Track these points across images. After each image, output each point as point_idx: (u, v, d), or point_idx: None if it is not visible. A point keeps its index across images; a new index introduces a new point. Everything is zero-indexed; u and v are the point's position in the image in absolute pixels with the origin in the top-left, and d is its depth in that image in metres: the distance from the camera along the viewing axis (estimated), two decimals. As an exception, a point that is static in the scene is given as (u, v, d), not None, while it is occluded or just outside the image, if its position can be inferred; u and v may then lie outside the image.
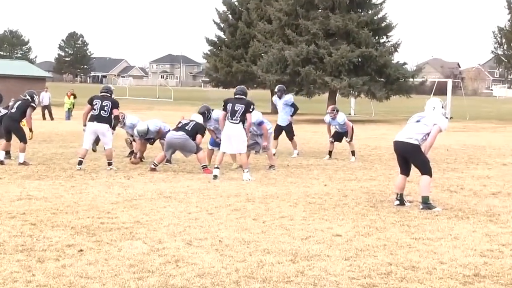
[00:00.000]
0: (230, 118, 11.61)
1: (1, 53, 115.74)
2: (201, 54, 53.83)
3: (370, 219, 7.96)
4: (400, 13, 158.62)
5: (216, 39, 49.33)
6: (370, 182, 11.42)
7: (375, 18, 35.09)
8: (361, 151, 16.85)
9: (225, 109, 11.72)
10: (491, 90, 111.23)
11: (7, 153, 13.63)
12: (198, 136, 12.43)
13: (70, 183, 10.66)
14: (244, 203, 9.05)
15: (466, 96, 53.74)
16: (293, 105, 15.77)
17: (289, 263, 5.93)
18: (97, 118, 12.45)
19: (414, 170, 9.11)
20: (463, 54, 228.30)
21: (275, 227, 7.47)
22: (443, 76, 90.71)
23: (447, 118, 10.36)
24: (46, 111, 32.97)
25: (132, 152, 14.20)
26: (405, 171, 9.03)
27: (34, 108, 13.61)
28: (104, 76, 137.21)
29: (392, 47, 35.39)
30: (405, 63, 37.49)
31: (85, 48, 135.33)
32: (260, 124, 12.89)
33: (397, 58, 68.85)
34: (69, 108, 33.84)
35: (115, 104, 12.64)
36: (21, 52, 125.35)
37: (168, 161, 13.15)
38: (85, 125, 12.74)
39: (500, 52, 51.93)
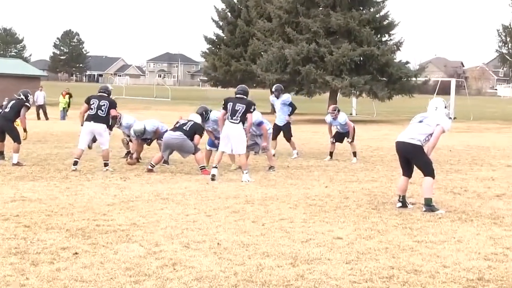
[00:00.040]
0: (230, 117, 11.60)
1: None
2: (200, 53, 53.96)
3: (371, 222, 7.96)
4: (402, 11, 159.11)
5: (214, 38, 49.38)
6: (371, 183, 11.41)
7: (377, 16, 35.11)
8: (362, 152, 16.85)
9: (225, 108, 11.72)
10: (496, 89, 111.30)
11: (1, 154, 13.64)
12: (196, 137, 12.43)
13: (65, 184, 10.66)
14: (243, 205, 9.04)
15: (470, 96, 53.75)
16: (291, 105, 15.77)
17: (289, 267, 5.92)
18: (94, 118, 12.45)
19: (416, 172, 9.10)
20: (466, 53, 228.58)
21: (275, 229, 7.47)
22: (447, 76, 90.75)
23: (450, 118, 10.34)
24: (41, 111, 32.97)
25: (128, 153, 14.20)
26: (408, 172, 9.03)
27: (28, 108, 13.61)
28: (100, 75, 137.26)
29: (395, 46, 35.41)
30: (407, 62, 37.53)
31: (80, 46, 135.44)
32: (259, 124, 12.88)
33: (399, 57, 69.08)
34: (64, 108, 33.84)
35: (112, 104, 12.64)
36: (15, 50, 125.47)
37: (166, 162, 13.14)
38: (82, 125, 12.73)
39: (504, 51, 51.97)
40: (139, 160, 13.82)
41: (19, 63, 58.99)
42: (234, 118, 11.58)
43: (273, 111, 16.21)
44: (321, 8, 34.91)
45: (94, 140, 13.07)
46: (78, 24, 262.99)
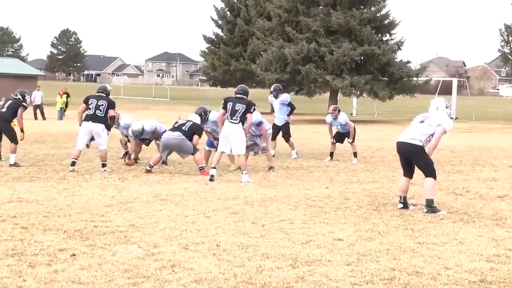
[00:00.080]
0: (229, 117, 11.61)
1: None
2: (198, 52, 53.84)
3: (372, 223, 7.96)
4: (403, 10, 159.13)
5: (213, 37, 49.41)
6: (372, 184, 11.42)
7: (378, 15, 35.13)
8: (363, 152, 16.85)
9: (225, 107, 11.73)
10: (498, 89, 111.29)
11: (-2, 154, 13.62)
12: (195, 137, 12.43)
13: (62, 185, 10.66)
14: (243, 206, 9.04)
15: (472, 95, 53.74)
16: (290, 105, 15.77)
17: (289, 268, 5.92)
18: (92, 118, 12.45)
19: (417, 172, 9.11)
20: (468, 53, 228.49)
21: (275, 231, 7.47)
22: (448, 75, 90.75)
23: (452, 118, 10.35)
24: (38, 111, 32.98)
25: (126, 153, 14.19)
26: (409, 173, 9.03)
27: (25, 108, 13.60)
28: (98, 75, 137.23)
29: (396, 45, 35.42)
30: (408, 62, 37.53)
31: (78, 45, 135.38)
32: (259, 124, 12.89)
33: (400, 56, 68.88)
34: (61, 108, 33.84)
35: (111, 105, 12.64)
36: (12, 49, 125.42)
37: (164, 162, 13.14)
38: (81, 125, 12.74)
39: (507, 50, 52.05)
40: (137, 160, 13.82)
41: (16, 62, 59.03)
42: (233, 118, 11.58)
43: (273, 111, 16.21)
44: (321, 7, 34.93)
45: (92, 138, 13.08)
46: (75, 23, 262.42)
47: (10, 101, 13.61)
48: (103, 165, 12.55)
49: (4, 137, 13.54)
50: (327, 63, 32.90)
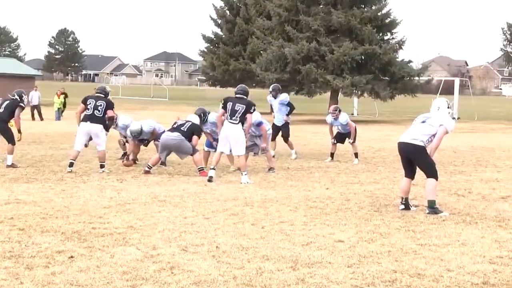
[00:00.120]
0: (229, 118, 11.61)
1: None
2: (197, 52, 53.84)
3: (374, 224, 7.96)
4: (405, 9, 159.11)
5: (213, 36, 49.42)
6: (373, 185, 11.42)
7: (379, 14, 35.14)
8: (364, 153, 16.85)
9: (224, 107, 11.73)
10: (500, 89, 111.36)
11: (-5, 155, 13.62)
12: (194, 137, 12.43)
13: (60, 187, 10.65)
14: (242, 207, 9.04)
15: (474, 95, 53.80)
16: (289, 104, 15.78)
17: (289, 270, 5.92)
18: (91, 118, 12.45)
19: (419, 173, 9.11)
20: (471, 52, 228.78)
21: (275, 232, 7.47)
22: (450, 75, 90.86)
23: (454, 118, 10.36)
24: (36, 111, 32.99)
25: (125, 154, 14.19)
26: (410, 173, 9.03)
27: (23, 108, 13.60)
28: (96, 75, 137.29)
29: (397, 44, 35.44)
30: (410, 61, 37.59)
31: (76, 45, 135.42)
32: (259, 124, 12.89)
33: (402, 55, 69.15)
34: (58, 108, 33.85)
35: (109, 105, 12.64)
36: (9, 49, 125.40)
37: (163, 163, 13.14)
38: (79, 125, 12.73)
39: (509, 49, 52.00)
40: (136, 161, 13.82)
41: (13, 62, 59.04)
42: (233, 118, 11.58)
43: (272, 111, 16.23)
44: (321, 6, 34.94)
45: (91, 138, 13.10)
46: (73, 22, 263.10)
47: (7, 102, 13.61)
48: (101, 166, 12.55)
49: (1, 138, 13.53)
50: (328, 62, 32.91)
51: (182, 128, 12.44)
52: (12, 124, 13.77)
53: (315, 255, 6.43)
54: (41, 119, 32.39)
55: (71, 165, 12.42)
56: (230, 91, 32.90)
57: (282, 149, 16.03)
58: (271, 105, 16.18)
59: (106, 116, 12.54)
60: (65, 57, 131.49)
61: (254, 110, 11.81)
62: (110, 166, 13.15)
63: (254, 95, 17.35)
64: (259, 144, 13.10)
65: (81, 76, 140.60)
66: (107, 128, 12.84)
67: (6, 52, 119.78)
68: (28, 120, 29.09)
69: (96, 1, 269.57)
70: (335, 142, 15.32)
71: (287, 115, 15.75)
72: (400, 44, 35.51)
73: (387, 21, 35.64)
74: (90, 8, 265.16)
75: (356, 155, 15.07)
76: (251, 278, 5.69)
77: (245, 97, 11.79)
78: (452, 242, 7.09)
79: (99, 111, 12.45)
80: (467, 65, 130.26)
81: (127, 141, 14.24)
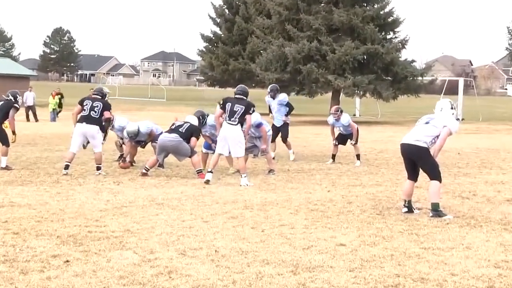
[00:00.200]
0: (228, 118, 11.61)
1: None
2: (196, 51, 53.96)
3: (376, 228, 7.96)
4: (408, 7, 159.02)
5: (211, 35, 49.45)
6: (376, 188, 11.42)
7: (381, 12, 35.15)
8: (366, 154, 16.86)
9: (223, 108, 11.73)
10: (506, 89, 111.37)
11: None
12: (193, 139, 12.43)
13: (55, 189, 10.66)
14: (242, 210, 9.05)
15: (479, 95, 53.82)
16: (288, 105, 15.80)
17: (289, 275, 5.92)
18: (87, 119, 12.46)
19: (422, 175, 9.11)
20: (475, 51, 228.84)
21: (275, 236, 7.47)
22: (454, 75, 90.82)
23: (458, 119, 10.36)
24: (30, 112, 32.97)
25: (121, 156, 14.20)
26: (413, 176, 9.04)
27: (17, 109, 13.60)
28: (92, 75, 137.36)
29: (400, 44, 35.44)
30: (413, 61, 37.58)
31: (72, 44, 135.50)
32: (258, 126, 12.89)
33: (405, 55, 69.27)
34: (53, 109, 33.85)
35: (106, 106, 12.66)
36: (4, 49, 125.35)
37: (161, 165, 13.14)
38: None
39: (515, 48, 52.04)
40: (133, 163, 13.83)
41: (7, 62, 59.02)
42: (232, 119, 11.58)
43: (270, 112, 16.25)
44: (323, 5, 34.95)
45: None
46: (69, 21, 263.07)
47: (1, 102, 13.60)
48: (98, 168, 12.55)
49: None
50: (329, 62, 32.91)
51: (180, 130, 12.44)
52: (6, 125, 13.76)
53: (316, 259, 6.43)
54: (36, 120, 32.38)
55: (66, 167, 12.42)
56: (229, 92, 32.92)
57: (282, 151, 16.04)
58: (269, 106, 16.18)
59: (103, 117, 12.56)
60: (61, 57, 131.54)
61: (253, 111, 11.81)
62: (106, 168, 13.15)
63: (253, 96, 17.38)
64: (259, 145, 13.10)
65: (77, 76, 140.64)
66: (104, 130, 12.84)
67: (0, 52, 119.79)
68: (22, 121, 29.10)
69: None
70: (337, 143, 15.32)
71: (286, 115, 15.78)
72: (403, 43, 35.52)
73: (389, 19, 35.66)
74: (86, 7, 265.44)
75: (358, 156, 15.07)
76: (250, 282, 5.70)
77: (244, 97, 11.80)
78: (456, 245, 7.09)
79: (95, 112, 12.47)
80: (471, 64, 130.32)
81: (123, 143, 14.25)
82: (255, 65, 36.40)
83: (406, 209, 8.94)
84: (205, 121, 13.06)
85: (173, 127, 12.65)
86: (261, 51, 37.02)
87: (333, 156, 15.30)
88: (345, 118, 15.03)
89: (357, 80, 32.47)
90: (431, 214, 8.68)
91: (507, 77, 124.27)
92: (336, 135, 15.44)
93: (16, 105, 13.49)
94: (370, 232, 7.71)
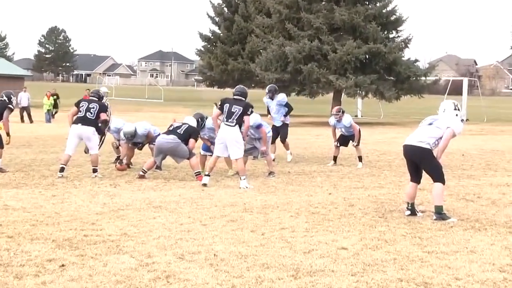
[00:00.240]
0: (225, 120, 11.62)
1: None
2: (194, 51, 54.01)
3: (378, 231, 7.96)
4: (411, 6, 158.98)
5: (210, 34, 49.51)
6: (378, 190, 11.43)
7: (383, 11, 35.19)
8: (369, 156, 16.86)
9: (221, 109, 11.74)
10: (511, 89, 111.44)
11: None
12: (191, 141, 12.43)
13: (51, 192, 10.66)
14: (241, 213, 9.05)
15: (484, 96, 53.84)
16: (287, 105, 15.82)
17: (290, 279, 5.93)
18: (82, 120, 12.46)
19: (426, 178, 9.12)
20: (480, 51, 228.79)
21: (275, 239, 7.47)
22: (458, 74, 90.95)
23: (462, 120, 10.36)
24: (25, 113, 32.99)
25: (118, 158, 14.20)
26: (416, 178, 9.04)
27: (11, 110, 13.60)
28: (88, 75, 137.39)
29: (403, 43, 35.48)
30: (416, 60, 37.63)
31: (67, 44, 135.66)
32: (258, 127, 12.90)
33: (408, 54, 69.24)
34: (48, 110, 33.88)
35: (102, 108, 12.68)
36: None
37: (158, 167, 13.15)
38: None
39: (520, 48, 52.04)
40: (130, 165, 13.82)
41: (1, 62, 59.01)
42: (229, 120, 11.59)
43: (269, 113, 16.27)
44: (324, 3, 34.98)
45: None
46: (64, 20, 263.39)
47: (-5, 103, 13.60)
48: (94, 171, 12.55)
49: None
50: (330, 62, 32.94)
51: (178, 131, 12.44)
52: (0, 126, 13.77)
53: (317, 263, 6.43)
54: (31, 121, 32.39)
55: (62, 170, 12.42)
56: (229, 92, 32.93)
57: (282, 153, 16.04)
58: (267, 107, 16.20)
59: (99, 119, 12.56)
60: (56, 57, 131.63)
61: (252, 112, 11.82)
62: (103, 170, 13.15)
63: (253, 96, 17.40)
64: (259, 147, 13.11)
65: (72, 77, 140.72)
66: (100, 132, 12.84)
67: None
68: (17, 122, 29.11)
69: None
70: (338, 145, 15.32)
71: (285, 116, 15.80)
72: (406, 42, 35.56)
73: (392, 18, 35.69)
74: (82, 6, 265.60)
75: (360, 158, 15.08)
76: (250, 287, 5.70)
77: (243, 98, 11.80)
78: (460, 249, 7.09)
79: (91, 113, 12.48)
80: (476, 64, 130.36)
81: (120, 145, 14.25)
82: (255, 65, 36.43)
83: (409, 212, 8.95)
84: (204, 124, 13.05)
85: (171, 128, 12.65)
86: (261, 51, 37.06)
87: (335, 158, 15.31)
88: (347, 119, 15.04)
89: (359, 80, 32.50)
90: (434, 217, 8.68)
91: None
92: (337, 136, 15.44)
93: (10, 106, 13.49)
94: (372, 235, 7.71)
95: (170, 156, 12.70)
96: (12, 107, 13.61)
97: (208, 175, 11.60)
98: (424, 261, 6.58)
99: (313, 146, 20.00)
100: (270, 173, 13.00)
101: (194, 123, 12.80)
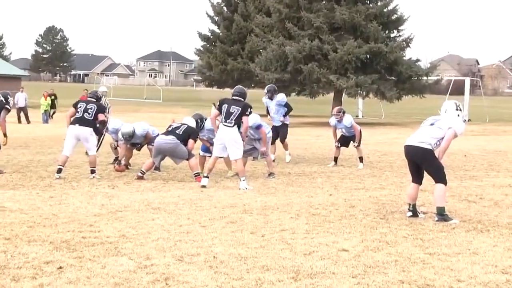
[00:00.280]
0: (224, 120, 11.62)
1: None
2: (193, 51, 54.16)
3: (380, 232, 7.96)
4: (412, 5, 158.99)
5: (209, 34, 49.50)
6: (379, 191, 11.43)
7: (384, 10, 35.21)
8: (370, 157, 16.87)
9: (219, 109, 11.75)
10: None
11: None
12: (190, 141, 12.43)
13: (48, 193, 10.66)
14: (241, 214, 9.05)
15: (486, 96, 53.88)
16: (286, 105, 15.83)
17: (290, 281, 5.93)
18: (80, 121, 12.47)
19: (427, 178, 9.12)
20: (482, 50, 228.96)
21: (275, 241, 7.47)
22: (460, 74, 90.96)
23: (464, 121, 10.35)
24: (22, 114, 33.00)
25: (117, 159, 14.20)
26: (418, 179, 9.04)
27: (8, 111, 13.61)
28: (86, 75, 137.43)
29: (404, 42, 35.51)
30: (418, 60, 37.69)
31: (65, 44, 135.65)
32: (258, 127, 12.90)
33: (409, 54, 69.17)
34: (45, 110, 33.91)
35: (100, 109, 12.69)
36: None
37: (157, 168, 13.15)
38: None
39: (523, 47, 52.08)
40: (128, 166, 13.82)
41: (-2, 62, 59.03)
42: (228, 121, 11.59)
43: (268, 113, 16.28)
44: (324, 2, 35.00)
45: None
46: (62, 20, 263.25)
47: (-8, 104, 13.60)
48: (92, 172, 12.55)
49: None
50: (331, 61, 32.95)
51: (177, 131, 12.44)
52: (-3, 127, 13.77)
53: (317, 265, 6.43)
54: (28, 122, 32.41)
55: (59, 171, 12.42)
56: (228, 92, 32.94)
57: (282, 153, 16.05)
58: (267, 108, 16.20)
59: (97, 120, 12.57)
60: (53, 57, 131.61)
61: (250, 112, 11.81)
62: (101, 171, 13.15)
63: (253, 96, 17.42)
64: (259, 148, 13.11)
65: (70, 77, 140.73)
66: (98, 133, 12.84)
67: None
68: (14, 123, 29.10)
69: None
70: (339, 145, 15.33)
71: (285, 116, 15.82)
72: (408, 42, 35.58)
73: (393, 17, 35.72)
74: (80, 5, 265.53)
75: (361, 159, 15.08)
76: (250, 289, 5.70)
77: (242, 99, 11.80)
78: (462, 251, 7.10)
79: (89, 114, 12.48)
80: (478, 64, 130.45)
81: (118, 145, 14.24)
82: (255, 64, 36.44)
83: (410, 213, 8.95)
84: (203, 125, 13.05)
85: (170, 129, 12.65)
86: (261, 50, 37.08)
87: (335, 159, 15.31)
88: (348, 120, 15.04)
89: (360, 80, 32.51)
90: (436, 219, 8.68)
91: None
92: (338, 137, 15.45)
93: (7, 106, 13.49)
94: (373, 237, 7.71)
95: (169, 157, 12.70)
96: (9, 108, 13.62)
97: (207, 177, 11.60)
98: (426, 263, 6.58)
99: (314, 147, 20.01)
100: (270, 174, 13.00)
101: (193, 124, 12.80)
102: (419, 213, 9.00)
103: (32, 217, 8.67)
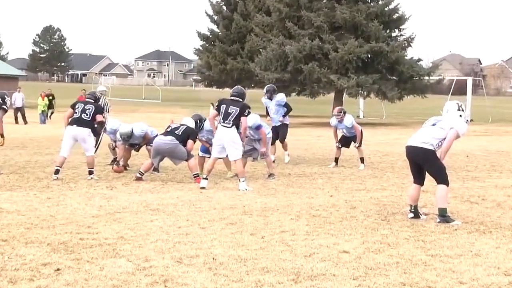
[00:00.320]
0: (222, 121, 11.63)
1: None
2: (192, 50, 54.14)
3: (381, 234, 7.97)
4: (414, 4, 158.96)
5: (209, 33, 49.54)
6: (381, 192, 11.43)
7: (386, 9, 35.23)
8: (371, 157, 16.87)
9: (218, 109, 11.75)
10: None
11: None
12: (190, 142, 12.43)
13: (45, 194, 10.66)
14: (241, 216, 9.05)
15: (488, 95, 53.89)
16: (286, 105, 15.84)
17: (290, 283, 5.93)
18: (77, 122, 12.47)
19: (429, 179, 9.12)
20: (484, 50, 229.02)
21: (275, 243, 7.47)
22: (462, 74, 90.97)
23: (467, 121, 10.36)
24: (19, 114, 32.99)
25: (115, 160, 14.20)
26: (419, 180, 9.04)
27: (5, 111, 13.60)
28: (84, 75, 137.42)
29: (405, 42, 35.54)
30: (419, 60, 37.66)
31: (62, 43, 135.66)
32: (258, 128, 12.90)
33: (410, 53, 69.21)
34: (43, 111, 33.90)
35: (98, 109, 12.70)
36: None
37: (156, 169, 13.14)
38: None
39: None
40: (127, 167, 13.82)
41: (-5, 62, 59.06)
42: (226, 121, 11.59)
43: (267, 114, 16.30)
44: (325, 1, 35.02)
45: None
46: (59, 19, 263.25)
47: (-11, 104, 13.59)
48: (90, 173, 12.55)
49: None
50: (332, 61, 32.96)
51: (176, 132, 12.44)
52: (-6, 128, 13.76)
53: (318, 267, 6.43)
54: (25, 122, 32.40)
55: (57, 172, 12.42)
56: (227, 92, 32.94)
57: (282, 154, 16.05)
58: (266, 108, 16.21)
59: (95, 121, 12.57)
60: (51, 56, 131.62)
61: (249, 113, 11.81)
62: (99, 172, 13.16)
63: (253, 96, 17.44)
64: (259, 148, 13.11)
65: (68, 77, 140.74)
66: (96, 133, 12.84)
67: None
68: (11, 123, 29.10)
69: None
70: (340, 146, 15.33)
71: (284, 116, 15.83)
72: (409, 41, 35.61)
73: (394, 16, 35.74)
74: (77, 4, 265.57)
75: (362, 160, 15.08)
76: (250, 291, 5.70)
77: (240, 99, 11.80)
78: (464, 252, 7.10)
79: (87, 114, 12.49)
80: (480, 63, 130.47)
81: (116, 146, 14.24)
82: (254, 64, 36.45)
83: (412, 215, 8.95)
84: (202, 126, 13.05)
85: (169, 129, 12.65)
86: (261, 50, 37.09)
87: (336, 160, 15.31)
88: (349, 120, 15.04)
89: (360, 80, 32.52)
90: (438, 220, 8.68)
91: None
92: (339, 137, 15.44)
93: (4, 106, 13.48)
94: (374, 238, 7.71)
95: (168, 157, 12.70)
96: (6, 108, 13.61)
97: (206, 178, 11.60)
98: (427, 265, 6.58)
99: (314, 147, 20.01)
100: (270, 175, 13.00)
101: (192, 124, 12.80)
102: (421, 215, 9.00)
103: (29, 218, 8.67)
